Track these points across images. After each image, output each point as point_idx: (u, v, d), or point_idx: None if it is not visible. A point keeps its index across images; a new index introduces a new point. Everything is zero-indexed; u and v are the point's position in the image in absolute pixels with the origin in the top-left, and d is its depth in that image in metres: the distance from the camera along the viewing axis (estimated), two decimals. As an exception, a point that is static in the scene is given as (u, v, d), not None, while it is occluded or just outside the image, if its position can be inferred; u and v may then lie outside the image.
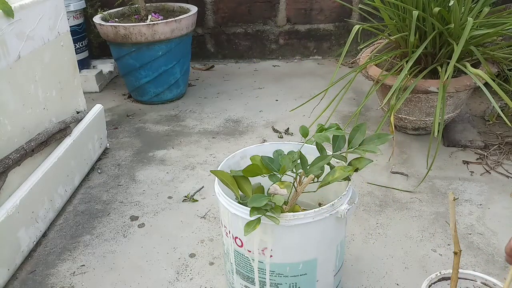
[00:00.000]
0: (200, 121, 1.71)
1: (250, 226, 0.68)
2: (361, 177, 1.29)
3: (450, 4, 1.20)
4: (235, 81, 2.08)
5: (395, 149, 1.41)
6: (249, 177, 0.77)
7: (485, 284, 0.63)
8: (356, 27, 1.33)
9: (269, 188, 0.72)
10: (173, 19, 1.72)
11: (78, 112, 1.36)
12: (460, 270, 0.62)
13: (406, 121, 1.44)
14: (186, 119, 1.74)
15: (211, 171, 0.76)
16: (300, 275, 0.76)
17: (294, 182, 0.76)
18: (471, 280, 0.65)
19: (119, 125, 1.72)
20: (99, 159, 1.47)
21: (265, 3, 2.21)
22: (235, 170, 0.79)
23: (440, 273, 0.65)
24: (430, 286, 0.64)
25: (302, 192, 0.75)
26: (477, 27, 1.30)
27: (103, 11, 1.90)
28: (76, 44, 1.91)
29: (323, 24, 2.24)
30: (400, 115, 1.43)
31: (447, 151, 1.41)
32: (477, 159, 1.36)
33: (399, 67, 1.32)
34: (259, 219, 0.68)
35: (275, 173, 0.77)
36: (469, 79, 1.28)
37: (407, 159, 1.38)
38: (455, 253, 0.59)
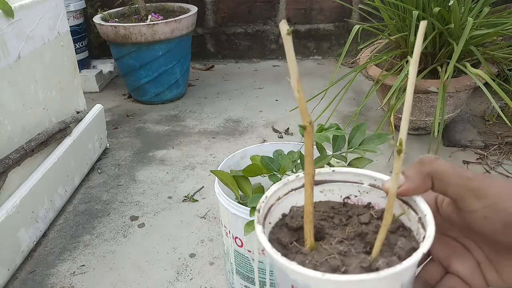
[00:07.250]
0: (200, 121, 1.71)
1: (250, 226, 0.68)
2: (361, 177, 1.29)
3: (450, 4, 1.20)
4: (235, 81, 2.08)
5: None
6: (249, 177, 0.77)
7: (374, 186, 0.41)
8: (356, 27, 1.33)
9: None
10: (173, 19, 1.72)
11: (78, 112, 1.36)
12: (337, 169, 0.40)
13: (406, 121, 1.44)
14: (186, 119, 1.74)
15: (211, 171, 0.76)
16: (300, 275, 0.76)
17: (294, 182, 0.76)
18: (355, 182, 0.41)
19: (119, 125, 1.72)
20: (99, 159, 1.47)
21: (265, 3, 2.21)
22: (235, 170, 0.79)
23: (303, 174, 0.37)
24: (287, 193, 0.38)
25: (302, 192, 0.75)
26: (477, 27, 1.30)
27: (103, 11, 1.90)
28: (76, 44, 1.91)
29: (323, 24, 2.24)
30: (400, 115, 1.43)
31: (447, 151, 1.41)
32: (477, 159, 1.36)
33: (399, 67, 1.32)
34: (259, 219, 0.68)
35: (275, 173, 0.77)
36: (469, 79, 1.28)
37: (407, 159, 1.38)
38: (302, 127, 0.32)
